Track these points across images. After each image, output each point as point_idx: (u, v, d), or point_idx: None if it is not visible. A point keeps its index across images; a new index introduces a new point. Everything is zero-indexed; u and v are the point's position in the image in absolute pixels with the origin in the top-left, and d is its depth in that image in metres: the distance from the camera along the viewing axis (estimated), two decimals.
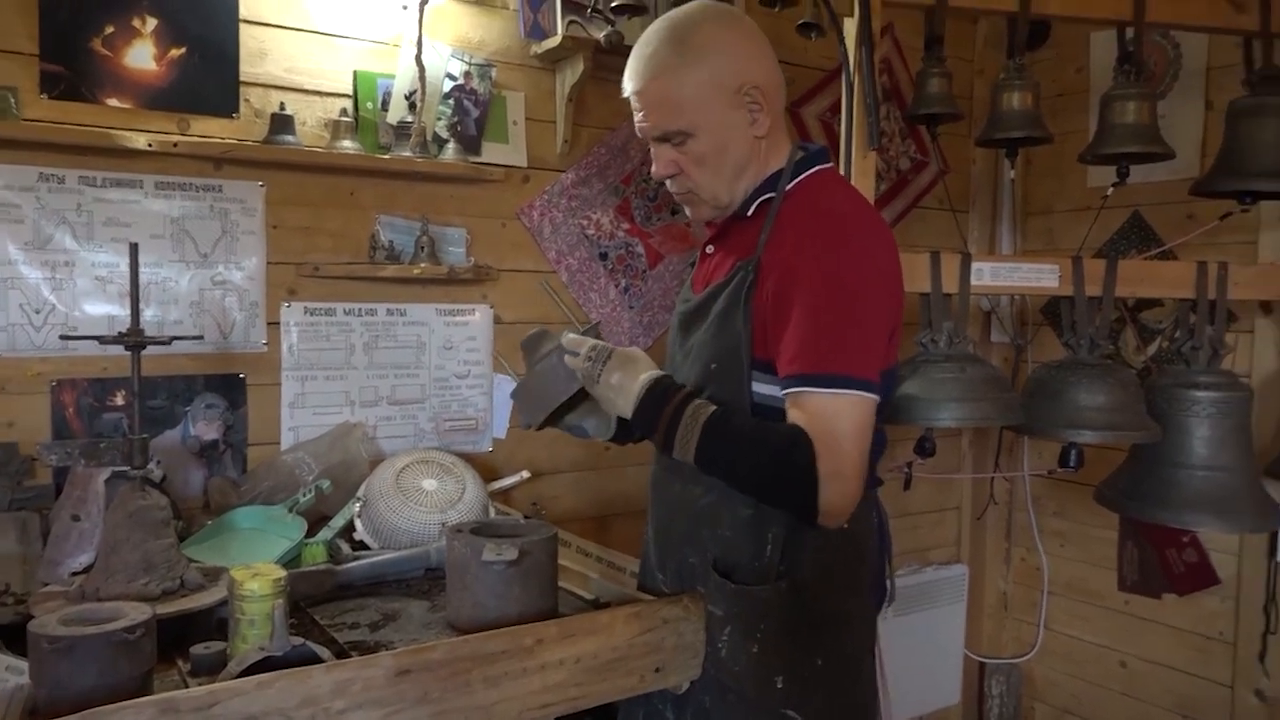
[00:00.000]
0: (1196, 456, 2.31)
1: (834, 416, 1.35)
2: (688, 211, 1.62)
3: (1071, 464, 2.30)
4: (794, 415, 1.38)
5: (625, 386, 1.48)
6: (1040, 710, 3.45)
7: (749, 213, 1.53)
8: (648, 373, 1.49)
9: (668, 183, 1.57)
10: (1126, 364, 3.09)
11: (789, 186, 1.51)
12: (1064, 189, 3.29)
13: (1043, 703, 3.44)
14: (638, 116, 1.53)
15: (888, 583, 1.66)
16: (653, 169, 1.56)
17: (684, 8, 1.55)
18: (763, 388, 1.46)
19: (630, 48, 2.19)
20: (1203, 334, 2.34)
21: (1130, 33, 2.34)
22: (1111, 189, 2.58)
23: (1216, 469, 2.29)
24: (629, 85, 1.52)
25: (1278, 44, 2.33)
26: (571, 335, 1.56)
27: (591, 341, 1.53)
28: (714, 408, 1.43)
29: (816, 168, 1.54)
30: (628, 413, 1.48)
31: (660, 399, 1.45)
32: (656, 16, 2.36)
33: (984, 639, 3.56)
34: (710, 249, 1.64)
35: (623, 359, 1.50)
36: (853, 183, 2.20)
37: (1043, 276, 2.31)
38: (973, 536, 3.57)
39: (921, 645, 3.29)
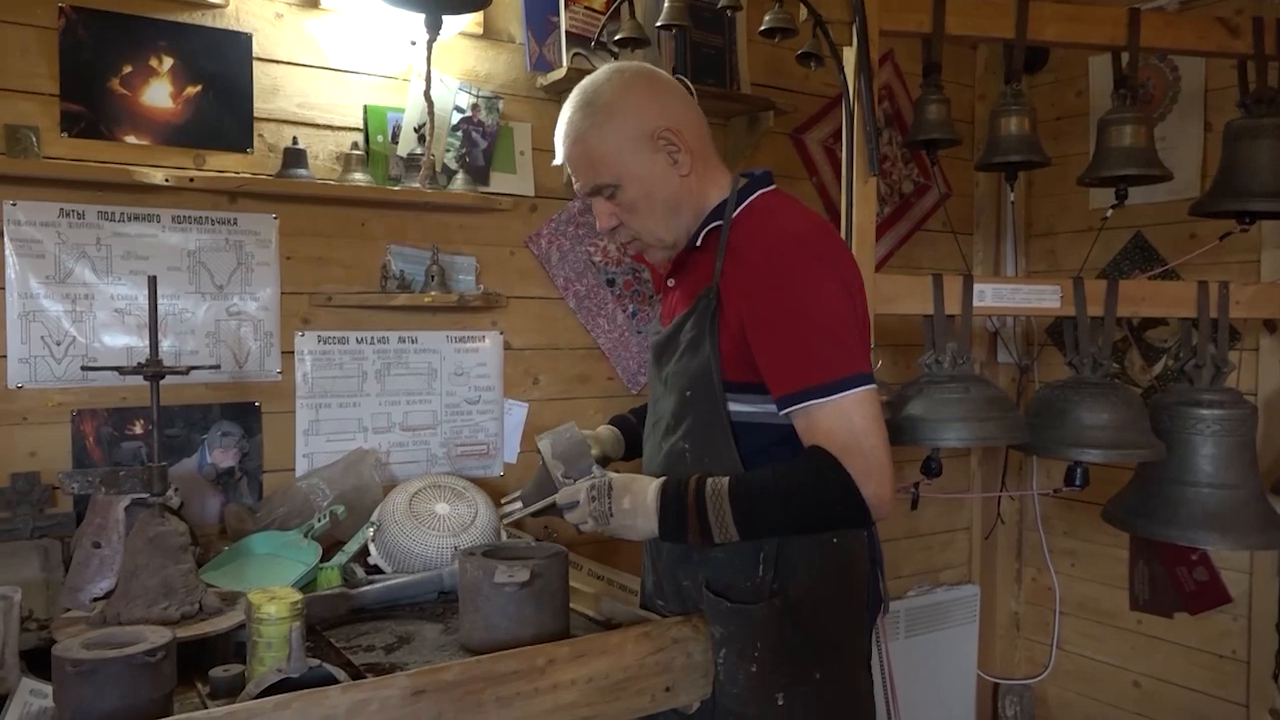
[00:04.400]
0: (1202, 474, 2.32)
1: (844, 419, 1.40)
2: (645, 258, 1.69)
3: (1077, 483, 2.32)
4: (805, 434, 1.43)
5: (641, 506, 1.49)
6: None
7: (699, 243, 1.59)
8: (653, 484, 1.50)
9: (613, 235, 1.64)
10: (1133, 383, 3.11)
11: (735, 213, 1.57)
12: (1066, 211, 3.32)
13: None
14: (572, 180, 1.62)
15: (881, 591, 1.68)
16: (597, 225, 1.64)
17: (591, 74, 1.63)
18: (739, 407, 1.51)
19: None
20: (1205, 352, 2.36)
21: (1125, 58, 2.38)
22: (1110, 211, 2.61)
23: (1221, 486, 2.30)
24: (557, 155, 1.62)
25: (1272, 66, 2.37)
26: (565, 489, 1.60)
27: (584, 485, 1.55)
28: (727, 478, 1.45)
29: (760, 191, 1.59)
30: (655, 530, 1.49)
31: (677, 500, 1.47)
32: (659, 50, 2.43)
33: (996, 659, 3.55)
34: (671, 283, 1.70)
35: (623, 485, 1.52)
36: (855, 207, 2.23)
37: (1044, 297, 2.33)
38: (983, 557, 3.57)
39: (934, 666, 3.29)
